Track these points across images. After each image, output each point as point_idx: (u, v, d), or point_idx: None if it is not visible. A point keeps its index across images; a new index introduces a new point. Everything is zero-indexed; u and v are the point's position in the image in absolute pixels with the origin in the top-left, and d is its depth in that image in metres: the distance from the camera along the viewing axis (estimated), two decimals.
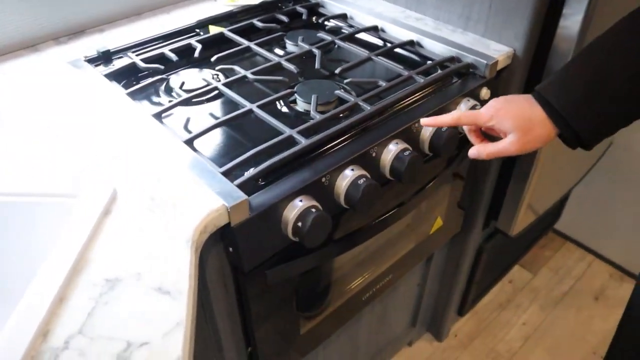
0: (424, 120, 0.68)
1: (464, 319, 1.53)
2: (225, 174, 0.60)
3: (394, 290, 1.11)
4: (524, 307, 1.58)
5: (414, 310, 1.32)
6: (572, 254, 1.75)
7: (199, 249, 0.54)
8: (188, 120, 0.73)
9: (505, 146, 0.61)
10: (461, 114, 0.65)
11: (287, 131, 0.66)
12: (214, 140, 0.69)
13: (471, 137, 0.68)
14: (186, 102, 0.75)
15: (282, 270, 0.66)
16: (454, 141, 0.75)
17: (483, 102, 0.82)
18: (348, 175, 0.64)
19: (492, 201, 1.13)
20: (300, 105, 0.76)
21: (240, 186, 0.58)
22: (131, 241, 0.52)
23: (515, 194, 1.08)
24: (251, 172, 0.60)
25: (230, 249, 0.60)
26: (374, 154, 0.68)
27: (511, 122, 0.60)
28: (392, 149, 0.69)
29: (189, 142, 0.66)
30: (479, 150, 0.65)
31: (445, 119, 0.66)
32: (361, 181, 0.64)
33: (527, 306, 1.58)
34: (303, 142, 0.64)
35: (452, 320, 1.47)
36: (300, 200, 0.60)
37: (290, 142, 0.65)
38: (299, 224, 0.59)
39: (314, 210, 0.60)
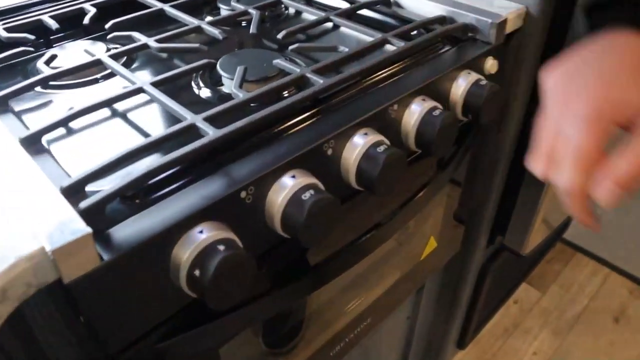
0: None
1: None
2: (71, 191, 0.35)
3: (375, 331, 0.86)
4: (533, 332, 1.34)
5: (404, 348, 1.07)
6: (585, 268, 1.52)
7: None
8: (57, 110, 0.48)
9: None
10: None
11: (189, 118, 0.41)
12: (86, 139, 0.44)
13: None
14: (46, 84, 0.50)
15: (182, 343, 0.41)
16: (452, 132, 0.51)
17: (489, 77, 0.59)
18: (287, 185, 0.40)
19: (498, 212, 0.89)
20: (227, 85, 0.51)
21: (88, 211, 0.33)
22: None
23: (527, 204, 0.84)
24: (114, 186, 0.35)
25: (82, 318, 0.35)
26: (329, 152, 0.44)
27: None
28: (359, 143, 0.44)
29: (30, 142, 0.41)
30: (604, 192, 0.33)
31: None
32: (307, 195, 0.39)
33: (537, 332, 1.34)
34: (210, 133, 0.39)
35: (451, 354, 1.23)
36: (201, 232, 0.35)
37: (192, 134, 0.41)
38: (196, 272, 0.35)
39: (222, 247, 0.35)
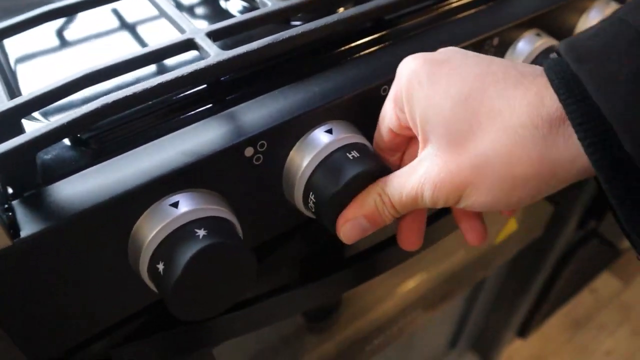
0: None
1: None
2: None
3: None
4: (609, 328, 1.17)
5: (456, 328, 0.95)
6: None
7: None
8: None
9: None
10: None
11: (188, 30, 0.28)
12: (51, 56, 0.33)
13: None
14: None
15: (149, 348, 0.30)
16: None
17: None
18: (321, 142, 0.27)
19: (598, 191, 0.72)
20: None
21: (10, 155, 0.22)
22: None
23: None
24: (51, 124, 0.23)
25: None
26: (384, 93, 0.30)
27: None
28: None
29: None
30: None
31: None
32: (353, 154, 0.26)
33: (613, 328, 1.17)
34: (211, 55, 0.26)
35: (509, 342, 1.09)
36: (174, 204, 0.23)
37: (189, 57, 0.28)
38: (160, 265, 0.23)
39: (201, 231, 0.23)
